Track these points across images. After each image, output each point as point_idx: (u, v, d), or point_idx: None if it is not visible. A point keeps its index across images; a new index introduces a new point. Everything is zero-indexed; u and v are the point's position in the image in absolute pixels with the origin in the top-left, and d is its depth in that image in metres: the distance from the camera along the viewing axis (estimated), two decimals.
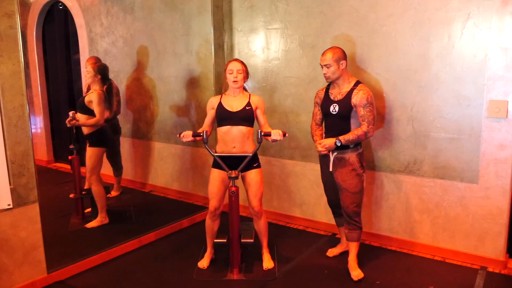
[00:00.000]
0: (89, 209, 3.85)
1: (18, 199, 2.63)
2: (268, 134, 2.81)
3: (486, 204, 2.99)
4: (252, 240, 3.07)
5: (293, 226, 3.88)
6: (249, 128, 2.93)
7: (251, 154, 2.87)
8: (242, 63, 2.93)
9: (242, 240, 3.01)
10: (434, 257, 3.21)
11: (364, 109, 2.77)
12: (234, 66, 2.89)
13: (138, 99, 4.66)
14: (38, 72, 4.81)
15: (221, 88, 3.33)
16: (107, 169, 4.16)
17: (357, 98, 2.79)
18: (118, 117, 4.28)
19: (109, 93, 3.70)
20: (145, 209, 4.23)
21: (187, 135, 2.84)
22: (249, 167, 2.92)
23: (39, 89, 4.82)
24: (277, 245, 3.43)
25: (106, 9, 4.53)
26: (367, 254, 3.23)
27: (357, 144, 2.88)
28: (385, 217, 3.42)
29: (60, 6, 4.72)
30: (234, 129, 2.88)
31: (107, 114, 3.74)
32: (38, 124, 4.94)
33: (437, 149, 3.12)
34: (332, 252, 3.25)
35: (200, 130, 2.90)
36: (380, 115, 3.30)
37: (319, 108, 3.02)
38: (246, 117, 2.89)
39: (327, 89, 2.98)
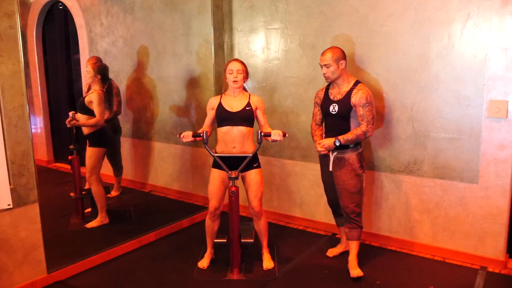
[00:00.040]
0: (89, 209, 3.85)
1: (18, 199, 2.63)
2: (268, 135, 2.81)
3: (486, 204, 2.99)
4: (252, 240, 3.07)
5: (293, 226, 3.88)
6: (249, 128, 2.93)
7: (251, 155, 2.87)
8: (242, 63, 2.93)
9: (242, 240, 3.01)
10: (434, 257, 3.21)
11: (363, 109, 2.78)
12: (234, 66, 2.89)
13: (138, 99, 4.66)
14: (38, 72, 4.81)
15: (221, 88, 3.33)
16: (107, 169, 4.16)
17: (356, 97, 2.79)
18: (118, 117, 4.28)
19: (109, 93, 3.70)
20: (145, 209, 4.23)
21: (187, 136, 2.85)
22: (249, 167, 2.92)
23: (39, 89, 4.83)
24: (277, 245, 3.43)
25: (106, 9, 4.53)
26: (367, 254, 3.23)
27: (357, 144, 2.89)
28: (385, 217, 3.42)
29: (60, 6, 4.72)
30: (234, 129, 2.88)
31: (107, 114, 3.74)
32: (38, 124, 4.94)
33: (437, 149, 3.12)
34: (332, 252, 3.25)
35: (200, 131, 2.90)
36: (380, 115, 3.30)
37: (319, 108, 3.02)
38: (246, 117, 2.89)
39: (327, 89, 2.99)
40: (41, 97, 4.84)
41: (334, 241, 3.50)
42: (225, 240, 3.05)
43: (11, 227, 2.63)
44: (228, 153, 2.91)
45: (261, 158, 3.14)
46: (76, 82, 4.75)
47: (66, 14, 4.71)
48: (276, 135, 2.78)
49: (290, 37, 3.68)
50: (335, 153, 2.88)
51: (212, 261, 3.13)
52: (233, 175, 2.82)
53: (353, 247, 2.97)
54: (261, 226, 3.04)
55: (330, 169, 2.92)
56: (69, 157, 3.74)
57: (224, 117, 2.89)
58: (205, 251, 3.17)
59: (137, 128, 4.71)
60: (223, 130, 2.91)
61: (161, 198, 4.54)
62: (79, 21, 4.59)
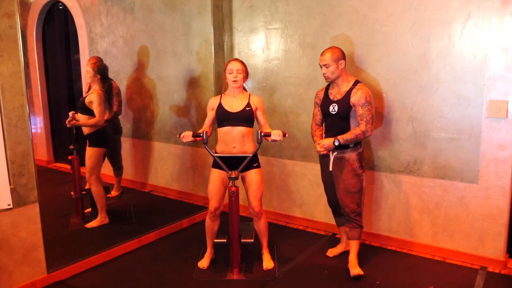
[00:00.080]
0: (89, 209, 3.85)
1: (18, 199, 2.63)
2: (268, 135, 2.81)
3: (486, 204, 2.99)
4: (252, 240, 3.07)
5: (293, 226, 3.88)
6: (249, 128, 2.93)
7: (251, 154, 2.87)
8: (242, 62, 2.93)
9: (242, 240, 3.01)
10: (434, 257, 3.21)
11: (363, 108, 2.78)
12: (234, 66, 2.89)
13: (138, 99, 4.66)
14: (38, 72, 4.82)
15: (221, 88, 3.33)
16: (107, 169, 4.16)
17: (356, 97, 2.79)
18: (119, 117, 4.28)
19: (108, 93, 3.70)
20: (145, 209, 4.23)
21: (187, 136, 2.85)
22: (249, 167, 2.92)
23: (39, 89, 4.83)
24: (277, 245, 3.43)
25: (106, 9, 4.53)
26: (367, 254, 3.23)
27: (357, 143, 2.89)
28: (385, 217, 3.42)
29: (60, 6, 4.73)
30: (234, 129, 2.88)
31: (107, 114, 3.74)
32: (38, 124, 4.94)
33: (437, 149, 3.12)
34: (332, 252, 3.25)
35: (200, 131, 2.90)
36: (380, 114, 3.30)
37: (319, 109, 3.02)
38: (246, 117, 2.90)
39: (327, 89, 2.99)
40: (41, 97, 4.84)
41: (334, 241, 3.50)
42: (225, 240, 3.05)
43: (11, 227, 2.63)
44: (228, 153, 2.91)
45: (261, 158, 3.14)
46: (76, 82, 4.75)
47: (66, 14, 4.71)
48: (276, 135, 2.78)
49: (290, 37, 3.68)
50: (335, 153, 2.88)
51: (212, 261, 3.13)
52: (233, 175, 2.82)
53: (354, 247, 2.97)
54: (261, 226, 3.03)
55: (330, 169, 2.92)
56: (69, 157, 3.74)
57: (224, 118, 2.89)
58: (205, 251, 3.17)
59: (137, 128, 4.71)
60: (223, 131, 2.91)
61: (161, 198, 4.54)
62: (79, 21, 4.59)
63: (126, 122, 4.65)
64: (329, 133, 2.93)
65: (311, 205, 3.82)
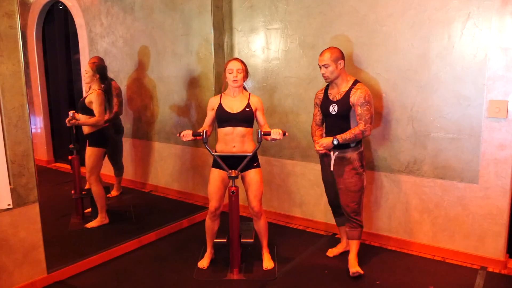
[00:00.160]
0: (89, 209, 3.85)
1: (18, 199, 2.63)
2: (268, 134, 2.81)
3: (486, 204, 2.99)
4: (252, 240, 3.07)
5: (293, 226, 3.88)
6: (249, 128, 2.93)
7: (251, 154, 2.87)
8: (242, 62, 2.93)
9: (242, 240, 3.01)
10: (434, 257, 3.21)
11: (362, 108, 2.78)
12: (234, 66, 2.90)
13: (138, 99, 4.66)
14: (38, 72, 4.81)
15: (221, 88, 3.33)
16: (107, 169, 4.16)
17: (355, 97, 2.80)
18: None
19: (108, 92, 3.70)
20: (145, 209, 4.23)
21: (187, 135, 2.85)
22: (249, 166, 2.92)
23: (39, 89, 4.83)
24: (277, 245, 3.43)
25: (106, 9, 4.53)
26: (367, 254, 3.23)
27: (357, 143, 2.89)
28: (385, 217, 3.42)
29: (60, 6, 4.72)
30: (234, 130, 2.89)
31: (107, 114, 3.74)
32: (38, 124, 4.94)
33: (437, 149, 3.12)
34: (332, 252, 3.26)
35: (200, 130, 2.90)
36: (380, 114, 3.30)
37: (319, 109, 3.02)
38: (246, 118, 2.90)
39: (326, 89, 2.99)
40: (41, 97, 4.84)
41: (334, 241, 3.50)
42: (225, 240, 3.05)
43: (11, 227, 2.63)
44: (228, 152, 2.91)
45: (261, 158, 3.14)
46: (76, 82, 4.74)
47: (66, 14, 4.70)
48: (276, 134, 2.78)
49: (290, 37, 3.68)
50: (337, 152, 2.89)
51: (212, 261, 3.13)
52: (233, 174, 2.82)
53: (353, 246, 2.97)
54: (261, 226, 3.03)
55: (332, 168, 2.92)
56: (69, 157, 3.74)
57: (224, 118, 2.90)
58: (205, 251, 3.17)
59: (137, 128, 4.71)
60: (223, 131, 2.91)
61: (161, 198, 4.54)
62: (79, 21, 4.59)
63: (126, 122, 4.65)
64: (329, 134, 2.93)
65: (311, 205, 3.82)
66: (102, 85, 3.64)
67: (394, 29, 3.15)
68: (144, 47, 4.47)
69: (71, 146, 3.69)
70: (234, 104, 2.92)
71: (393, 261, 3.15)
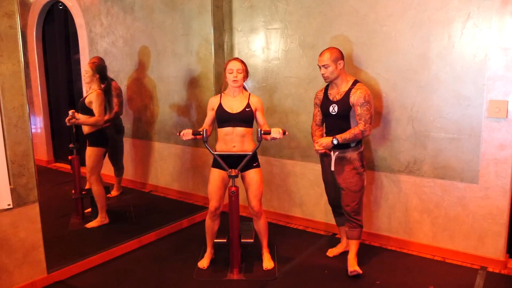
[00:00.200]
0: (89, 209, 3.85)
1: (18, 199, 2.63)
2: (268, 133, 2.82)
3: (486, 204, 2.99)
4: (252, 240, 3.07)
5: (293, 226, 3.88)
6: (248, 129, 2.93)
7: (250, 153, 2.87)
8: (242, 62, 2.93)
9: (242, 240, 3.01)
10: (434, 257, 3.21)
11: (361, 108, 2.78)
12: (234, 66, 2.90)
13: (139, 99, 4.67)
14: (38, 72, 4.81)
15: (221, 87, 3.33)
16: (107, 169, 4.16)
17: (355, 97, 2.80)
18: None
19: (108, 92, 3.70)
20: (145, 209, 4.23)
21: (187, 134, 2.85)
22: (248, 166, 2.92)
23: (39, 89, 4.83)
24: (277, 245, 3.43)
25: (106, 9, 4.53)
26: (367, 254, 3.23)
27: (358, 143, 2.89)
28: (385, 217, 3.42)
29: (60, 6, 4.72)
30: (234, 130, 2.89)
31: (107, 114, 3.74)
32: (38, 124, 4.94)
33: (437, 149, 3.12)
34: (332, 252, 3.26)
35: (200, 129, 2.90)
36: (379, 114, 3.30)
37: (319, 109, 3.02)
38: (246, 118, 2.90)
39: (326, 89, 2.99)
40: (41, 97, 4.84)
41: (334, 241, 3.50)
42: (225, 240, 3.05)
43: (11, 227, 2.63)
44: (228, 152, 2.91)
45: (261, 158, 3.14)
46: (76, 82, 4.75)
47: (66, 14, 4.71)
48: (276, 133, 2.79)
49: (290, 37, 3.68)
50: (337, 152, 2.89)
51: (212, 261, 3.13)
52: (233, 173, 2.82)
53: (353, 246, 2.98)
54: (261, 226, 3.04)
55: (332, 168, 2.92)
56: (69, 157, 3.74)
57: (224, 118, 2.90)
58: (205, 251, 3.17)
59: (137, 128, 4.71)
60: (223, 131, 2.91)
61: (161, 198, 4.54)
62: (79, 21, 4.59)
63: (126, 122, 4.65)
64: (329, 134, 2.93)
65: (311, 205, 3.82)
66: (102, 85, 3.64)
67: (394, 29, 3.15)
68: (144, 47, 4.47)
69: (71, 145, 3.69)
70: (234, 104, 2.92)
71: (393, 261, 3.15)
